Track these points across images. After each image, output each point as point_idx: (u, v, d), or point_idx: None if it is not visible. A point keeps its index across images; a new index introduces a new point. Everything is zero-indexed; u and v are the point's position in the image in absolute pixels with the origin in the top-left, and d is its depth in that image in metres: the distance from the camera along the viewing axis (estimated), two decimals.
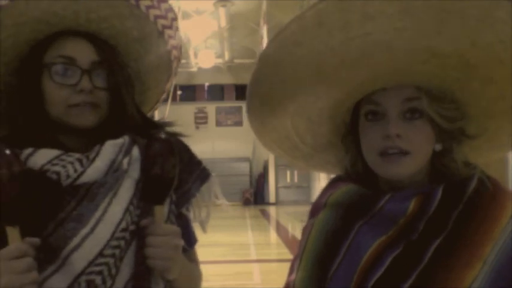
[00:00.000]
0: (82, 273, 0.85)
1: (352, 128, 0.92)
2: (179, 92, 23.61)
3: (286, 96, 0.90)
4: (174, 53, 1.07)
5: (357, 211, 0.88)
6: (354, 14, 0.74)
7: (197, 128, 23.49)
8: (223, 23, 16.39)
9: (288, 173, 23.08)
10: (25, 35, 0.93)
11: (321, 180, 19.14)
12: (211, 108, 23.82)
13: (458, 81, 0.83)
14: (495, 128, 0.90)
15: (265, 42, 15.50)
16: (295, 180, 23.17)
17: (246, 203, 22.69)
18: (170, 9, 1.02)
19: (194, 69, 21.78)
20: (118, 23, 0.97)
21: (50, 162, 0.89)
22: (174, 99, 22.89)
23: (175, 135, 1.04)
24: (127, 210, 0.91)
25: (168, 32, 1.03)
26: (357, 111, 0.90)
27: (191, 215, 1.05)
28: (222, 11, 15.47)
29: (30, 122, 0.93)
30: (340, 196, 0.92)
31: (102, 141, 0.93)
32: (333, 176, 1.03)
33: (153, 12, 0.99)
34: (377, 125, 0.85)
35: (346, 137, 0.94)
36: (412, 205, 0.82)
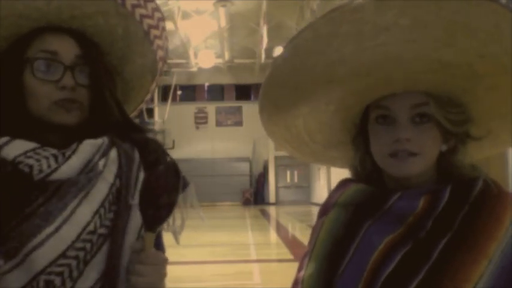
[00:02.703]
0: (42, 272, 0.82)
1: (361, 129, 0.95)
2: (179, 92, 23.61)
3: (299, 100, 0.93)
4: (160, 53, 1.05)
5: (366, 210, 0.90)
6: (366, 25, 0.75)
7: (197, 128, 23.50)
8: (223, 23, 16.41)
9: (288, 173, 23.09)
10: (5, 29, 0.90)
11: (321, 180, 19.15)
12: (211, 108, 23.81)
13: (465, 89, 0.86)
14: (496, 128, 0.94)
15: (265, 42, 15.52)
16: (295, 180, 23.19)
17: (246, 203, 22.71)
18: (157, 8, 1.01)
19: (194, 69, 21.78)
20: (102, 21, 0.95)
21: (24, 154, 0.86)
22: (174, 99, 22.91)
23: (158, 145, 1.00)
24: (97, 212, 0.88)
25: (154, 32, 1.01)
26: (366, 114, 0.93)
27: (164, 224, 1.00)
28: (222, 11, 15.49)
29: (11, 119, 0.90)
30: (349, 196, 0.94)
31: (81, 140, 0.91)
32: (337, 172, 1.04)
33: (139, 11, 0.97)
34: (387, 128, 0.88)
35: (356, 137, 0.97)
36: (421, 203, 0.85)
